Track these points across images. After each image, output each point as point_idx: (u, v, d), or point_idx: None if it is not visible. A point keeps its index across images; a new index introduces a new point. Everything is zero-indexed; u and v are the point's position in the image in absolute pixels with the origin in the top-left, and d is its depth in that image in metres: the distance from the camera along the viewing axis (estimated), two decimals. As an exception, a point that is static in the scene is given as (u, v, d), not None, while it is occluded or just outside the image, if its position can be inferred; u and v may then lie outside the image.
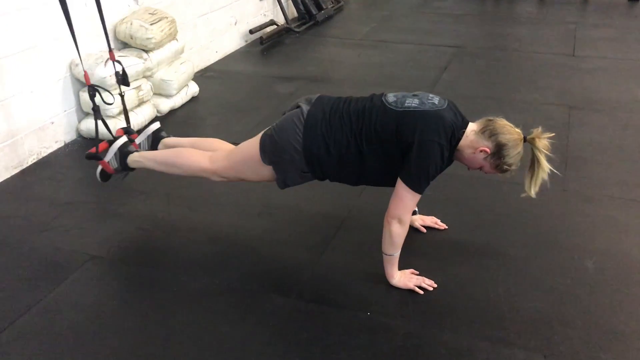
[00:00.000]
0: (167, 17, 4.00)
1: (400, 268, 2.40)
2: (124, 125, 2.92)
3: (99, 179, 2.72)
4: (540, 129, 2.24)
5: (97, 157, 2.66)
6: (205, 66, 5.03)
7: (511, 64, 5.02)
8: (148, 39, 3.82)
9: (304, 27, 6.06)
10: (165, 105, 4.05)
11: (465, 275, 2.46)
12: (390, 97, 2.29)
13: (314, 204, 2.98)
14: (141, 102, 3.80)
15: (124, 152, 2.65)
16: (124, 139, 2.69)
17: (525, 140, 2.24)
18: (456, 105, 2.32)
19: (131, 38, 3.83)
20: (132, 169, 2.69)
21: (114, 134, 2.84)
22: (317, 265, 2.55)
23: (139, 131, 2.88)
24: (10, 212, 2.96)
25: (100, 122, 2.78)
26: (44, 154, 3.52)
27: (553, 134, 2.27)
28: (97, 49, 3.76)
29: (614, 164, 3.31)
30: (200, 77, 4.75)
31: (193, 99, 4.33)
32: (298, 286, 2.42)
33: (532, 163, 2.24)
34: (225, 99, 4.40)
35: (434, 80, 4.62)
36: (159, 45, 3.92)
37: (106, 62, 3.51)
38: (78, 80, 3.64)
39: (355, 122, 2.25)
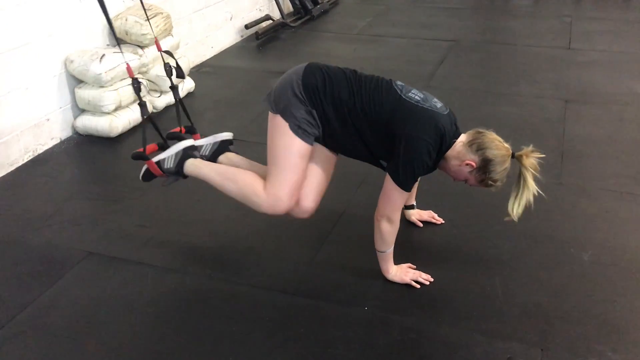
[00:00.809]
0: (162, 13, 3.99)
1: (397, 262, 2.41)
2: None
3: (141, 179, 2.53)
4: (530, 147, 2.19)
5: (144, 158, 2.46)
6: (201, 62, 5.02)
7: (507, 58, 5.01)
8: (143, 34, 3.81)
9: (300, 21, 6.04)
10: (161, 101, 4.04)
11: (462, 269, 2.47)
12: (399, 82, 2.27)
13: (311, 199, 2.97)
14: (137, 99, 3.78)
15: (187, 154, 2.44)
16: (190, 141, 2.48)
17: (513, 156, 2.19)
18: (456, 117, 2.29)
19: (126, 34, 3.82)
20: (185, 177, 2.48)
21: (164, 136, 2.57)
22: (314, 260, 2.55)
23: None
24: (6, 209, 2.96)
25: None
26: (39, 151, 3.51)
27: (544, 155, 2.21)
28: (92, 45, 3.75)
29: (609, 157, 3.32)
30: (195, 72, 4.74)
31: (189, 95, 4.32)
32: (295, 281, 2.42)
33: (518, 181, 2.18)
34: (221, 94, 4.39)
35: (430, 74, 4.62)
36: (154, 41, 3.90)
37: (101, 58, 3.50)
38: (73, 76, 3.63)
39: (355, 80, 2.24)
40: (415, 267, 2.44)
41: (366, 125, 2.21)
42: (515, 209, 2.19)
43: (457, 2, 6.77)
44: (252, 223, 2.80)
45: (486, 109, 3.93)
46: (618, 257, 2.52)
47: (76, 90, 3.65)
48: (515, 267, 2.48)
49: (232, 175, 2.39)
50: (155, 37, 2.68)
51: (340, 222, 2.79)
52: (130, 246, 2.67)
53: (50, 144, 3.59)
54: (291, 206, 2.31)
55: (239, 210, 2.89)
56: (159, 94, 2.44)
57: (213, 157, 2.56)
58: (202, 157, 2.51)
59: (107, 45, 3.92)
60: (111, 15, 3.85)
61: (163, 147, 2.51)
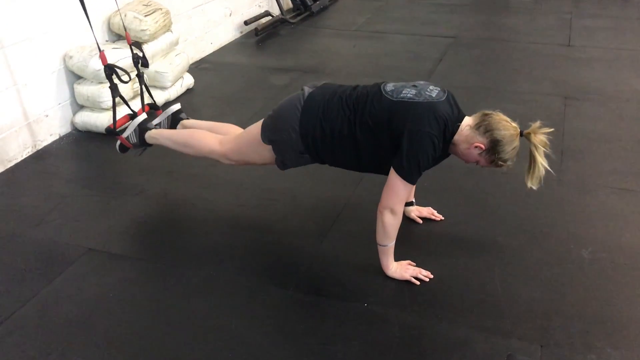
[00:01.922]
0: (161, 9, 3.98)
1: (397, 259, 2.41)
2: (141, 104, 2.99)
3: (118, 150, 2.89)
4: (538, 123, 2.22)
5: (115, 133, 2.83)
6: (200, 58, 5.01)
7: (507, 55, 5.01)
8: (142, 30, 3.80)
9: (299, 18, 6.03)
10: (160, 97, 4.03)
11: (462, 266, 2.47)
12: (389, 86, 2.29)
13: (311, 195, 2.98)
14: (136, 95, 3.78)
15: (142, 128, 2.79)
16: (143, 116, 2.84)
17: (521, 134, 2.23)
18: (455, 97, 2.31)
19: (125, 30, 3.80)
20: (150, 145, 2.82)
21: (136, 112, 2.97)
22: (314, 256, 2.55)
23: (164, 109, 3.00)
24: (5, 205, 2.95)
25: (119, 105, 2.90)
26: (38, 147, 3.51)
27: (552, 129, 2.25)
28: (90, 41, 3.74)
29: (609, 154, 3.32)
30: (195, 68, 4.73)
31: (188, 91, 4.32)
32: (295, 277, 2.42)
33: (530, 159, 2.23)
34: (220, 90, 4.39)
35: (429, 71, 4.61)
36: (154, 37, 3.90)
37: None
38: (72, 72, 3.62)
39: (352, 107, 2.27)
40: (414, 263, 2.44)
41: (372, 140, 2.25)
42: (531, 183, 2.25)
43: (456, -1, 6.76)
44: (252, 219, 2.80)
45: (485, 106, 3.87)
46: (618, 253, 2.52)
47: (75, 86, 3.64)
48: (514, 264, 2.47)
49: (185, 141, 2.70)
50: (126, 31, 3.07)
51: (340, 219, 2.79)
52: (130, 242, 2.67)
53: (49, 140, 3.59)
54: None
55: (238, 206, 2.90)
56: (127, 79, 2.87)
57: (172, 128, 2.91)
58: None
59: (107, 41, 3.91)
60: (110, 11, 3.85)
61: (132, 117, 2.92)
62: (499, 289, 2.33)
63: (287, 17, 5.93)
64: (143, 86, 3.00)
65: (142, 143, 2.82)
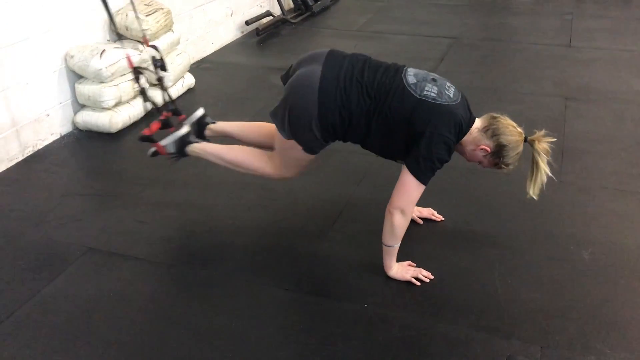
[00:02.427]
0: (162, 8, 3.98)
1: (398, 259, 2.41)
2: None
3: (149, 155, 2.74)
4: (543, 131, 2.26)
5: (151, 140, 2.69)
6: (201, 57, 5.02)
7: (508, 55, 5.01)
8: (143, 30, 3.79)
9: (300, 18, 6.03)
10: (161, 96, 4.02)
11: (462, 267, 2.47)
12: (410, 77, 2.24)
13: (312, 195, 2.98)
14: (137, 95, 3.78)
15: (185, 141, 2.68)
16: (186, 129, 2.71)
17: (525, 140, 2.26)
18: (467, 99, 2.32)
19: (127, 29, 3.82)
20: (186, 156, 2.72)
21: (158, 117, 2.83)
22: (314, 256, 2.55)
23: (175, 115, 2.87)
24: (6, 204, 2.96)
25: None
26: (39, 147, 3.51)
27: (555, 139, 2.29)
28: (92, 40, 3.75)
29: (610, 155, 3.32)
30: (196, 68, 4.73)
31: (189, 91, 4.32)
32: (295, 277, 2.42)
33: (532, 165, 2.26)
34: (221, 90, 4.39)
35: (430, 71, 4.55)
36: (155, 36, 3.90)
37: (102, 53, 3.49)
38: (73, 72, 3.62)
39: (373, 96, 2.21)
40: (415, 264, 2.44)
41: (387, 131, 2.24)
42: (532, 190, 2.29)
43: (458, -1, 6.77)
44: (253, 218, 2.80)
45: (486, 107, 3.88)
46: (618, 255, 2.52)
47: (76, 85, 3.64)
48: (515, 265, 2.48)
49: (234, 160, 2.59)
50: (144, 36, 2.91)
51: (341, 219, 2.79)
52: (130, 242, 2.67)
53: (50, 139, 3.59)
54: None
55: (239, 206, 2.90)
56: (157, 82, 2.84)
57: (199, 135, 2.80)
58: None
59: (108, 40, 3.91)
60: (112, 11, 3.85)
61: (166, 124, 2.77)
62: (499, 290, 2.34)
63: (288, 17, 5.93)
64: (165, 91, 2.89)
65: (181, 154, 2.71)
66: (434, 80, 2.26)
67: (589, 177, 3.11)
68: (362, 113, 2.22)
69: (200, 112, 2.86)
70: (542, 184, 2.27)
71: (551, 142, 2.27)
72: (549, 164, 2.26)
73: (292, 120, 2.27)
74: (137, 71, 2.70)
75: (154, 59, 2.83)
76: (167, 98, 2.88)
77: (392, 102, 2.19)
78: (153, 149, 2.71)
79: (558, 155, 3.27)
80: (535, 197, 2.30)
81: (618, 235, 2.65)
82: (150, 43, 2.92)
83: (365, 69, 2.26)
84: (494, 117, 2.27)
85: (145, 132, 2.70)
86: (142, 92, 2.74)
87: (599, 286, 2.35)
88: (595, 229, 2.70)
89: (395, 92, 2.20)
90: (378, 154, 2.42)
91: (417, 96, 2.19)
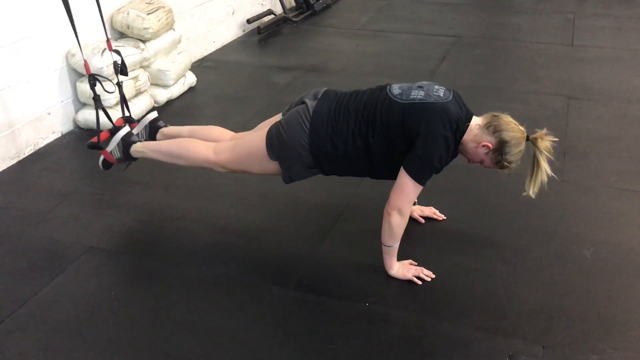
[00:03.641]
0: (164, 7, 3.98)
1: (399, 258, 2.40)
2: (122, 115, 2.90)
3: (101, 167, 2.73)
4: (545, 130, 2.26)
5: (99, 147, 2.65)
6: (203, 56, 5.01)
7: (509, 54, 5.00)
8: (145, 28, 3.79)
9: (302, 16, 6.03)
10: (163, 95, 4.03)
11: (464, 266, 2.47)
12: (395, 89, 2.28)
13: (312, 194, 2.97)
14: (138, 93, 3.78)
15: (126, 142, 2.65)
16: (126, 129, 2.68)
17: (528, 139, 2.25)
18: (461, 96, 2.31)
19: (128, 28, 3.81)
20: (135, 159, 2.70)
21: (114, 122, 2.84)
22: (315, 255, 2.55)
23: (139, 121, 2.86)
24: (7, 203, 2.95)
25: (101, 112, 2.76)
26: (40, 145, 3.51)
27: (557, 139, 2.28)
28: (94, 38, 3.74)
29: (612, 154, 3.31)
30: (197, 67, 4.73)
31: (190, 89, 4.32)
32: (296, 277, 2.42)
33: (533, 163, 2.26)
34: (222, 89, 4.38)
35: (432, 70, 4.60)
36: (156, 35, 3.90)
37: (103, 52, 3.49)
38: (75, 70, 3.62)
39: (360, 116, 2.25)
40: (416, 263, 2.44)
41: (387, 149, 2.24)
42: (531, 189, 2.29)
43: (459, -2, 6.75)
44: (254, 218, 2.80)
45: (488, 106, 3.87)
46: (620, 254, 2.52)
47: (77, 84, 3.64)
48: (517, 264, 2.47)
49: (175, 152, 2.56)
50: (107, 38, 2.93)
51: (342, 218, 2.79)
52: (131, 240, 2.67)
53: (51, 137, 3.59)
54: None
55: (239, 205, 2.90)
56: (113, 90, 2.89)
57: (151, 138, 2.80)
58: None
59: (109, 38, 3.90)
60: (113, 9, 3.85)
61: (114, 133, 2.71)
62: (501, 289, 2.33)
63: (290, 15, 5.92)
64: (122, 96, 2.88)
65: (127, 157, 2.68)
66: (419, 87, 2.28)
67: (591, 176, 3.10)
68: (355, 136, 2.24)
69: (152, 115, 2.83)
70: (542, 183, 2.27)
71: (553, 141, 2.26)
72: (550, 163, 2.26)
73: (280, 139, 2.32)
74: (93, 78, 2.69)
75: (115, 63, 2.85)
76: (123, 106, 2.86)
77: (381, 116, 2.22)
78: (102, 158, 2.68)
79: (560, 155, 3.26)
80: (533, 196, 2.30)
81: (620, 234, 2.64)
82: (113, 47, 2.98)
83: (352, 97, 2.33)
84: (495, 115, 2.27)
85: (94, 140, 2.66)
86: (96, 100, 2.71)
87: (601, 285, 2.34)
88: (598, 228, 2.69)
89: (382, 107, 2.24)
90: (391, 177, 2.34)
91: (404, 102, 2.22)
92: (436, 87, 2.28)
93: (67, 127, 3.70)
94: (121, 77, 2.89)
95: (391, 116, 2.21)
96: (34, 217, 2.82)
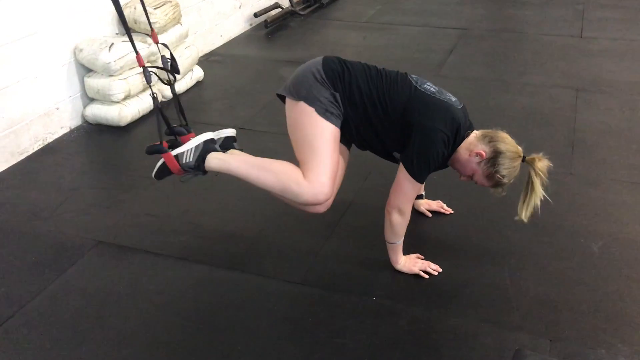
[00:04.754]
0: (171, 1, 3.97)
1: (406, 252, 2.40)
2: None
3: (154, 176, 2.35)
4: (541, 154, 2.18)
5: (162, 151, 2.28)
6: (210, 50, 5.01)
7: (518, 46, 4.97)
8: (152, 23, 3.79)
9: (309, 10, 6.01)
10: (169, 89, 4.02)
11: (471, 259, 2.46)
12: (414, 76, 2.29)
13: (319, 188, 2.97)
14: (145, 88, 3.79)
15: (207, 148, 2.28)
16: (210, 134, 2.33)
17: (524, 160, 2.19)
18: (467, 112, 2.30)
19: (135, 22, 3.81)
20: (204, 173, 2.32)
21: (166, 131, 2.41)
22: (322, 250, 2.55)
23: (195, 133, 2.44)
24: (16, 198, 2.97)
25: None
26: (49, 140, 3.53)
27: (552, 165, 2.20)
28: (100, 33, 3.75)
29: (621, 147, 3.29)
30: (204, 61, 4.73)
31: (198, 84, 4.32)
32: (303, 271, 2.43)
33: (527, 185, 2.18)
34: (230, 83, 4.39)
35: (440, 62, 4.58)
36: (163, 29, 3.90)
37: (110, 47, 3.50)
38: (82, 65, 3.63)
39: (375, 76, 2.25)
40: (423, 257, 2.44)
41: (383, 116, 2.22)
42: (524, 212, 2.19)
43: (467, -10, 6.71)
44: (261, 213, 2.80)
45: (496, 98, 3.90)
46: (628, 248, 2.50)
47: (85, 79, 3.65)
48: (524, 258, 2.46)
49: (267, 165, 2.25)
50: (152, 30, 2.52)
51: (349, 213, 2.79)
52: (140, 235, 2.68)
53: (59, 132, 3.61)
54: (333, 193, 2.24)
55: (248, 199, 2.90)
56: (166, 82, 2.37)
57: None
58: None
59: (117, 33, 3.91)
60: (122, 3, 3.85)
61: (173, 145, 2.33)
62: (508, 283, 2.33)
63: (297, 9, 5.90)
64: (176, 99, 2.48)
65: (199, 166, 2.27)
66: (436, 87, 2.28)
67: (599, 170, 3.08)
68: (363, 91, 2.21)
69: (230, 131, 2.44)
70: (534, 208, 2.17)
71: (550, 166, 2.17)
72: (544, 185, 2.16)
73: (296, 76, 2.28)
74: (148, 71, 2.25)
75: (163, 58, 2.38)
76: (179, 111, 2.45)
77: (392, 86, 2.22)
78: (161, 163, 2.30)
79: (569, 148, 3.25)
80: (525, 221, 2.21)
81: (628, 227, 2.63)
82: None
83: (377, 68, 2.33)
84: (494, 130, 2.24)
85: (157, 143, 2.30)
86: (154, 98, 2.31)
87: (609, 279, 2.33)
88: (605, 221, 2.68)
89: (397, 79, 2.24)
90: (374, 149, 2.36)
91: (418, 86, 2.22)
92: (450, 94, 2.27)
93: (76, 122, 3.72)
94: (171, 77, 2.44)
95: (399, 93, 2.20)
96: (43, 212, 2.84)
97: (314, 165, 2.17)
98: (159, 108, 2.30)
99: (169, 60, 2.36)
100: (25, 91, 3.33)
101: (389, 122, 2.21)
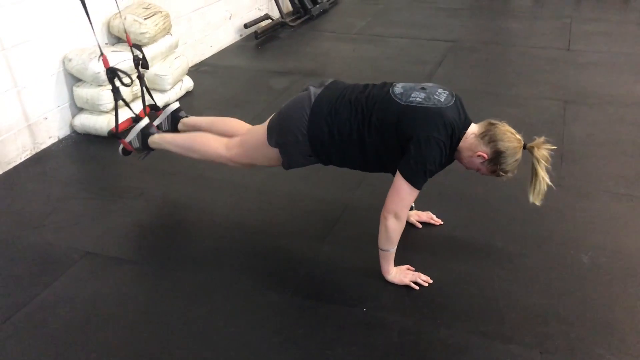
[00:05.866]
0: (161, 12, 3.97)
1: (396, 263, 2.40)
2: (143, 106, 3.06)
3: (120, 153, 2.92)
4: (542, 138, 2.23)
5: (118, 136, 2.87)
6: (200, 61, 5.01)
7: (506, 59, 5.01)
8: (142, 33, 3.79)
9: (299, 21, 6.04)
10: (160, 100, 4.02)
11: (461, 271, 2.46)
12: (397, 88, 2.29)
13: (311, 198, 2.97)
14: (135, 98, 3.77)
15: (145, 133, 2.81)
16: (146, 120, 2.85)
17: (525, 147, 2.23)
18: (462, 102, 2.30)
19: (125, 32, 3.80)
20: (152, 150, 2.84)
21: (138, 114, 3.04)
22: (313, 260, 2.54)
23: (164, 108, 3.03)
24: (4, 208, 2.94)
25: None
26: (37, 150, 3.50)
27: (555, 147, 2.26)
28: (90, 43, 3.74)
29: (609, 159, 3.31)
30: (194, 71, 4.73)
31: (187, 94, 4.32)
32: (294, 281, 2.41)
33: (532, 172, 2.23)
34: (219, 93, 4.38)
35: (429, 74, 4.61)
36: (153, 39, 3.90)
37: (99, 57, 3.48)
38: (71, 75, 3.62)
39: (360, 110, 2.26)
40: (414, 268, 2.44)
41: (381, 146, 2.25)
42: (534, 198, 2.25)
43: (456, 3, 6.77)
44: (252, 222, 2.79)
45: (485, 110, 3.91)
46: (617, 259, 2.52)
47: (74, 88, 3.64)
48: (514, 269, 2.47)
49: (190, 146, 2.68)
50: (126, 33, 3.17)
51: (340, 222, 2.79)
52: (128, 246, 2.66)
53: (48, 142, 3.58)
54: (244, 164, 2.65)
55: (238, 209, 2.90)
56: (130, 82, 2.93)
57: (173, 128, 2.94)
58: (166, 132, 2.93)
59: (106, 43, 3.90)
60: (110, 14, 3.85)
61: (137, 121, 2.91)
62: (499, 294, 2.33)
63: (287, 20, 5.93)
64: (144, 88, 3.03)
65: (145, 147, 2.84)
66: (422, 88, 2.28)
67: (588, 181, 3.10)
68: (352, 128, 2.25)
69: (175, 105, 2.98)
70: (542, 193, 2.23)
71: (551, 149, 2.24)
72: (548, 171, 2.22)
73: (281, 123, 2.37)
74: (112, 72, 2.83)
75: (135, 57, 3.01)
76: (147, 95, 3.07)
77: (378, 113, 2.23)
78: (121, 146, 2.88)
79: (557, 159, 3.26)
80: (538, 204, 2.27)
81: (618, 239, 2.65)
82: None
83: (357, 90, 2.36)
84: (492, 124, 2.25)
85: (113, 129, 2.90)
86: (115, 92, 2.86)
87: (599, 290, 2.34)
88: (595, 232, 2.69)
89: (381, 103, 2.25)
90: (384, 171, 2.40)
91: (403, 103, 2.22)
92: (439, 90, 2.27)
93: (64, 132, 3.69)
94: (142, 70, 3.05)
95: (387, 115, 2.21)
96: (30, 222, 2.81)
97: (242, 155, 2.55)
98: (117, 98, 2.88)
99: (140, 59, 3.05)
100: (13, 100, 3.31)
101: (385, 143, 2.24)
